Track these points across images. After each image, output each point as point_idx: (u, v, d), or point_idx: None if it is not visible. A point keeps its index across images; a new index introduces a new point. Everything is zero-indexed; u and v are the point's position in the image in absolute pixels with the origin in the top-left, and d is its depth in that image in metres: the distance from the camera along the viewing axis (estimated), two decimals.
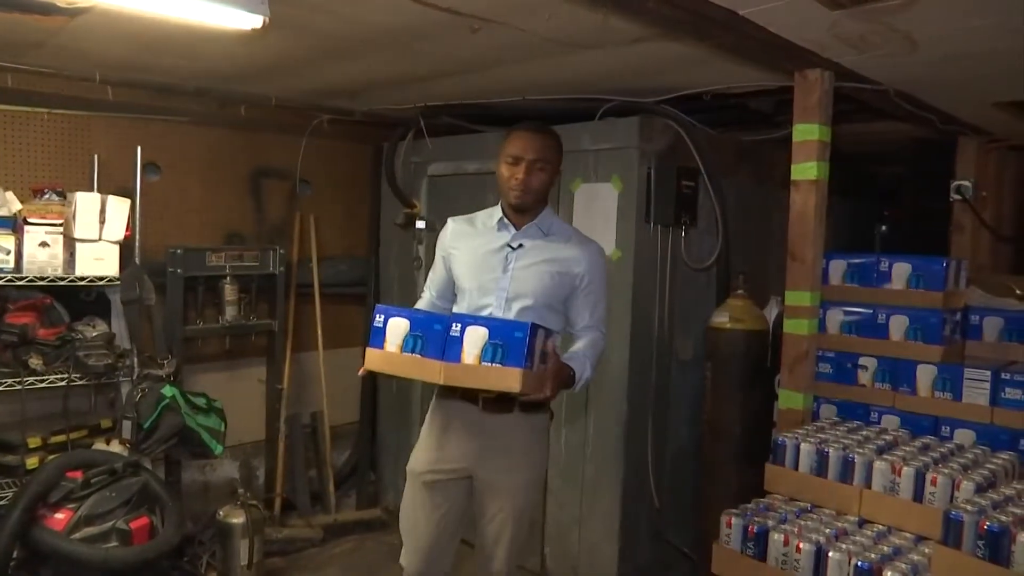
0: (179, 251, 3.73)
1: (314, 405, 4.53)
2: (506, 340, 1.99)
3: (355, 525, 4.29)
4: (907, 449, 2.52)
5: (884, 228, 5.64)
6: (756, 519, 2.43)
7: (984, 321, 2.94)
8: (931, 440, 2.64)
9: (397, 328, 2.10)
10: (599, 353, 2.41)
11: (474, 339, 2.01)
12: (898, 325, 2.87)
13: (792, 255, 2.95)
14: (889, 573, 2.09)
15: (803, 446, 2.57)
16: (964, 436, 2.71)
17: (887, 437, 2.63)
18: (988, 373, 2.69)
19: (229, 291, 3.93)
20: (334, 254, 4.59)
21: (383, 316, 2.14)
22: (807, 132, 2.90)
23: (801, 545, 2.25)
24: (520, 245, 2.35)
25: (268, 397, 4.26)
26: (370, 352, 2.15)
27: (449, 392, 2.31)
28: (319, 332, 4.40)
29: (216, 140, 4.10)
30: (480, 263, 2.36)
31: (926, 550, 2.18)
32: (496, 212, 2.41)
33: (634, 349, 3.35)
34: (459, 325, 2.05)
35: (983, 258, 4.36)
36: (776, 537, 2.31)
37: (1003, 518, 1.95)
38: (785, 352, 2.99)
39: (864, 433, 2.69)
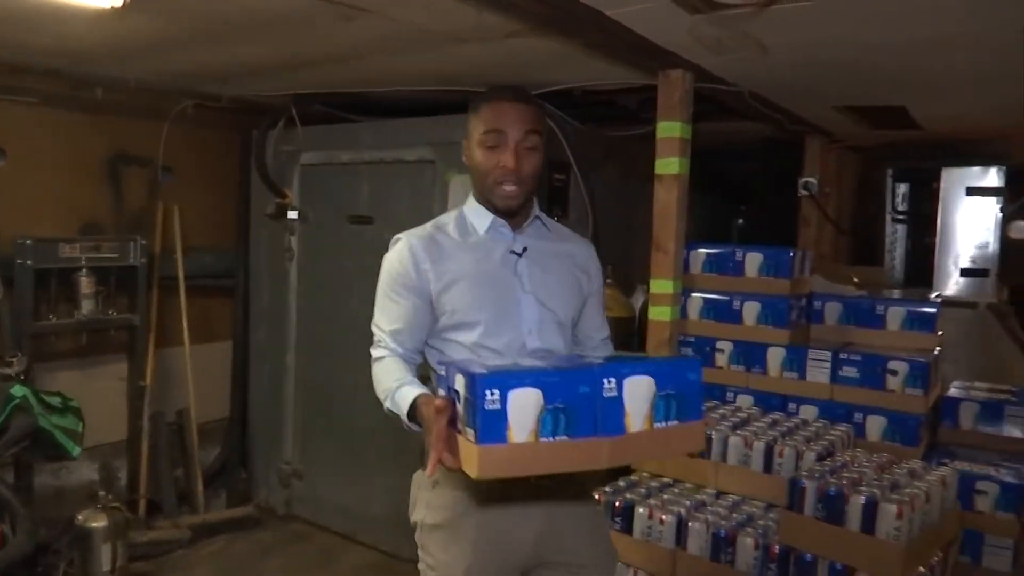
0: (28, 242, 3.49)
1: (180, 402, 4.35)
2: (679, 387, 1.52)
3: (225, 524, 4.16)
4: (758, 425, 2.73)
5: (741, 221, 6.02)
6: (623, 496, 2.56)
7: (825, 306, 3.20)
8: (779, 416, 2.87)
9: (526, 404, 1.40)
10: None
11: (639, 394, 1.48)
12: (751, 311, 3.09)
13: (656, 246, 3.11)
14: (742, 538, 2.27)
15: None
16: (808, 411, 2.95)
17: (741, 415, 2.84)
18: (828, 354, 2.94)
19: (85, 284, 3.71)
20: (200, 245, 4.42)
21: (497, 391, 1.39)
22: (670, 129, 3.06)
23: (663, 517, 2.40)
24: (524, 249, 1.80)
25: (130, 395, 4.07)
26: (486, 452, 1.38)
27: (499, 490, 1.65)
28: (185, 326, 4.23)
29: (70, 124, 3.85)
30: (487, 283, 1.75)
31: (774, 516, 2.38)
32: (476, 214, 1.82)
33: None
34: (613, 380, 1.46)
35: (826, 249, 4.74)
36: (641, 511, 2.46)
37: (839, 482, 2.16)
38: (650, 337, 3.15)
39: (721, 411, 2.88)
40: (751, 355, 3.08)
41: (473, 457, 1.39)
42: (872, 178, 5.21)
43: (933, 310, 3.01)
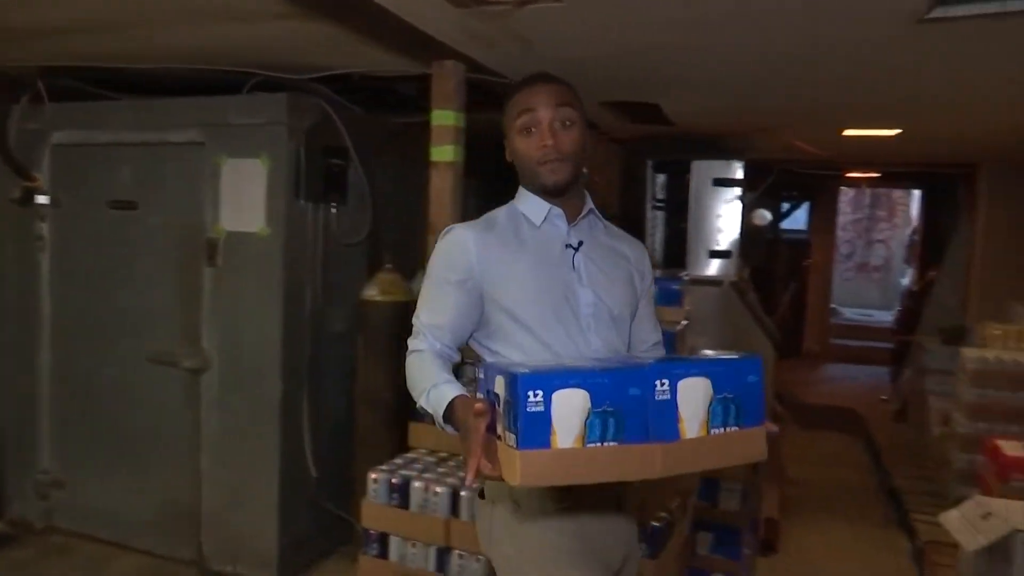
0: None
1: None
2: (738, 390, 1.40)
3: None
4: None
5: None
6: (401, 472, 2.64)
7: None
8: None
9: (571, 406, 1.29)
10: None
11: (694, 397, 1.37)
12: None
13: (432, 230, 3.21)
14: None
15: None
16: None
17: None
18: None
19: None
20: None
21: (541, 392, 1.28)
22: (444, 117, 3.16)
23: (438, 489, 2.51)
24: (580, 243, 1.73)
25: None
26: (527, 458, 1.27)
27: (577, 495, 1.59)
28: None
29: None
30: (544, 279, 1.67)
31: None
32: (530, 206, 1.74)
33: (287, 325, 3.38)
34: (666, 381, 1.35)
35: None
36: (417, 485, 2.56)
37: None
38: None
39: None
40: None
41: (514, 463, 1.28)
42: (635, 168, 5.67)
43: (677, 287, 3.36)
